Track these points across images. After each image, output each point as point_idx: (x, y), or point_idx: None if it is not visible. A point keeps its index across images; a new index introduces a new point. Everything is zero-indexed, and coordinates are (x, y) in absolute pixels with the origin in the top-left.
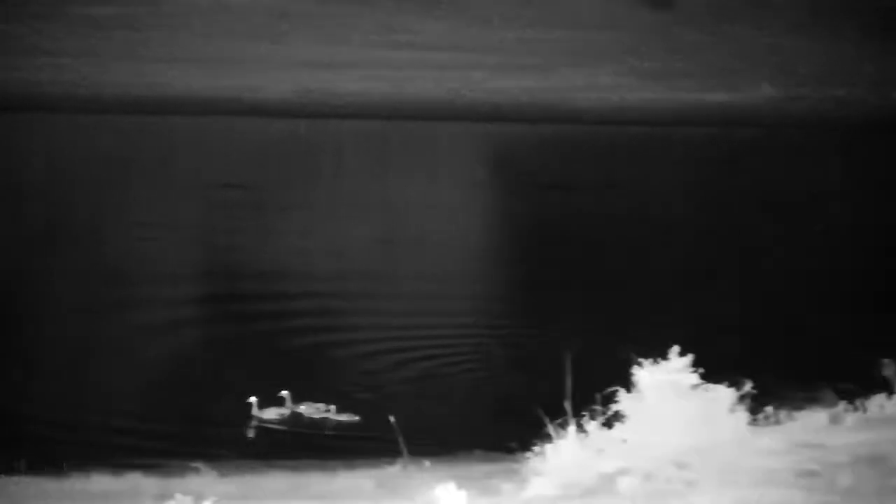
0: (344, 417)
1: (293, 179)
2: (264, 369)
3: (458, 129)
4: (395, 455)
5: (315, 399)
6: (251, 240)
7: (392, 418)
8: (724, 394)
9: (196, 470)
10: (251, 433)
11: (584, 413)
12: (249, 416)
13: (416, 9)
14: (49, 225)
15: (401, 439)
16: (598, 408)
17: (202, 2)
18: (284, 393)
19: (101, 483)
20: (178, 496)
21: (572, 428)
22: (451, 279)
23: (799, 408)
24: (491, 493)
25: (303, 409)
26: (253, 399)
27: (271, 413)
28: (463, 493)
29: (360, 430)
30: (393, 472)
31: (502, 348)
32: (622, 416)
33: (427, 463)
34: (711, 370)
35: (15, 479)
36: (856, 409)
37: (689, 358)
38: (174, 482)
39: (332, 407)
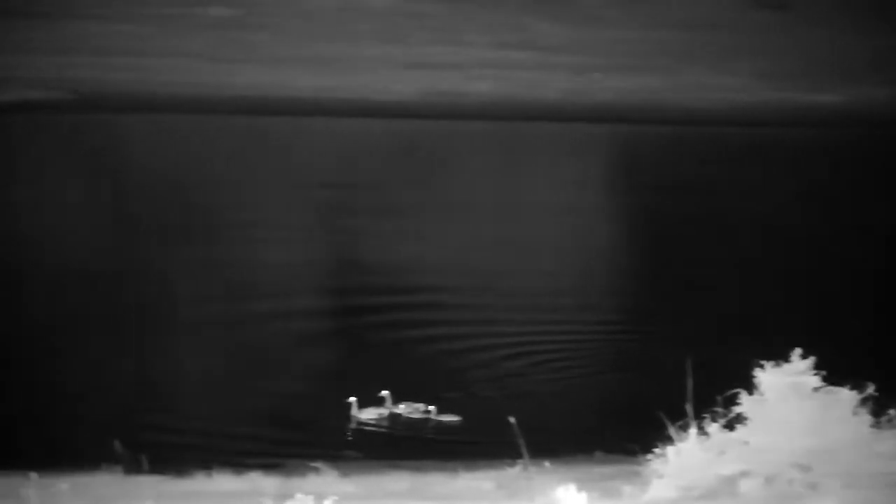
0: (445, 418)
1: (419, 180)
2: (382, 370)
3: (580, 130)
4: (515, 456)
5: (429, 400)
6: (375, 241)
7: (513, 419)
8: (846, 396)
9: (316, 470)
10: (355, 433)
11: (705, 415)
12: (349, 417)
13: (541, 10)
14: (170, 226)
15: (521, 441)
16: (720, 410)
17: (331, 3)
18: (385, 393)
19: (222, 483)
20: (299, 496)
21: (693, 430)
22: (569, 280)
23: None
24: (612, 495)
25: (402, 409)
26: (352, 399)
27: (370, 413)
28: (583, 495)
29: (475, 431)
30: (513, 473)
31: (624, 350)
32: (744, 419)
33: (547, 464)
34: (834, 373)
35: (139, 478)
36: None
37: (812, 360)
38: (295, 482)
39: (433, 408)
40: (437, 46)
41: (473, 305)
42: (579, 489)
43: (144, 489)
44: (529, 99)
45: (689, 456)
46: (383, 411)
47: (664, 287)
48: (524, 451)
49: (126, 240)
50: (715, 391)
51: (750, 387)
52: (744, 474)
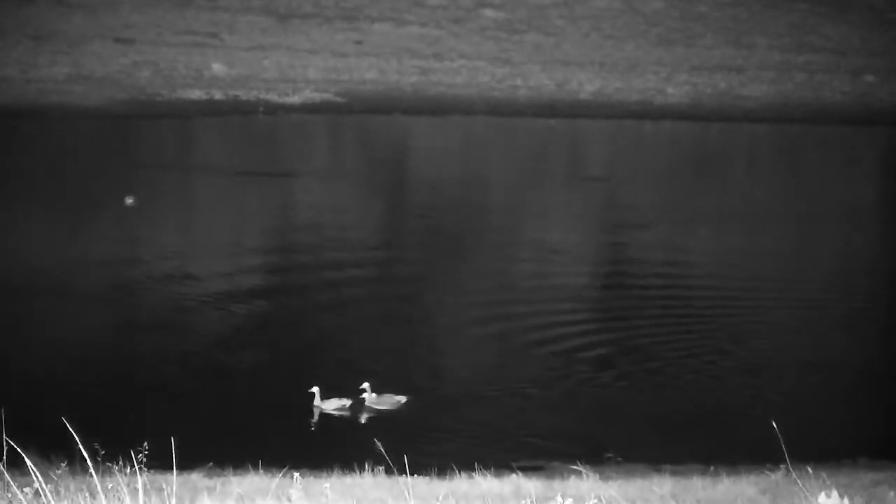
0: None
1: (690, 183)
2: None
3: (869, 133)
4: (777, 461)
5: None
6: (651, 239)
7: (774, 423)
8: None
9: (578, 472)
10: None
11: None
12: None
13: (828, 12)
14: (458, 230)
15: (783, 445)
16: None
17: (612, 4)
18: (365, 384)
19: (484, 484)
20: (560, 498)
21: None
22: (844, 288)
23: None
24: (877, 502)
25: (373, 398)
26: (315, 389)
27: (333, 404)
28: (846, 502)
29: (734, 434)
30: (775, 478)
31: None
32: None
33: (810, 469)
34: None
35: (401, 479)
36: None
37: None
38: (556, 484)
39: (403, 398)
40: (718, 49)
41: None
42: (842, 496)
43: (406, 490)
44: (819, 102)
45: None
46: (345, 402)
47: None
48: (786, 455)
49: (412, 237)
50: None
51: None
52: None
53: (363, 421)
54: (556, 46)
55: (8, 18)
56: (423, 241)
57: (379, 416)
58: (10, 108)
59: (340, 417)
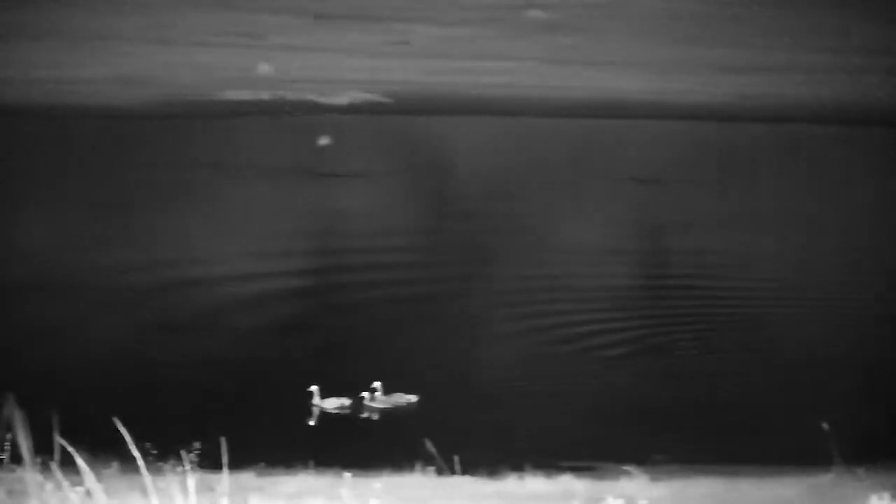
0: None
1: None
2: None
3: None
4: (827, 463)
5: None
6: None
7: (825, 425)
8: None
9: (628, 473)
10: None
11: None
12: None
13: (870, 14)
14: (494, 231)
15: (833, 447)
16: None
17: (651, 4)
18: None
19: (533, 484)
20: (610, 499)
21: None
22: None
23: None
24: None
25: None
26: (314, 388)
27: (332, 402)
28: None
29: (784, 435)
30: (825, 480)
31: None
32: None
33: (861, 471)
34: None
35: (451, 479)
36: None
37: None
38: (606, 485)
39: (413, 397)
40: (750, 49)
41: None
42: (893, 498)
43: (456, 490)
44: (850, 102)
45: None
46: (344, 401)
47: None
48: (836, 457)
49: (454, 238)
50: None
51: None
52: None
53: (412, 421)
54: (599, 47)
55: (49, 21)
56: (464, 242)
57: (428, 417)
58: (53, 108)
59: (391, 416)
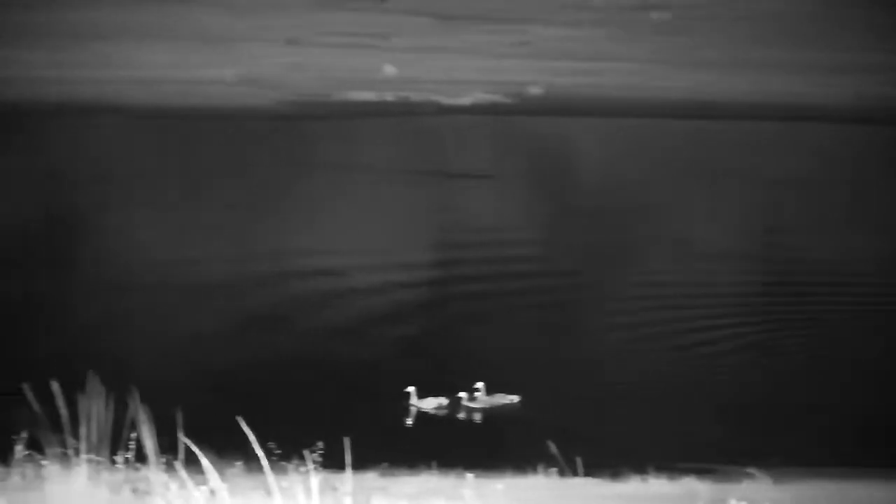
0: None
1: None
2: None
3: None
4: None
5: None
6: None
7: None
8: None
9: (751, 476)
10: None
11: None
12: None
13: None
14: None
15: None
16: None
17: (773, 7)
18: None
19: (656, 486)
20: (733, 502)
21: None
22: None
23: None
24: None
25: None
26: (411, 388)
27: (430, 403)
28: None
29: None
30: None
31: None
32: None
33: None
34: None
35: (573, 481)
36: None
37: None
38: (728, 487)
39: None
40: (863, 51)
41: None
42: None
43: (578, 492)
44: None
45: None
46: (442, 401)
47: None
48: None
49: (573, 238)
50: None
51: None
52: None
53: (533, 422)
54: (717, 48)
55: (179, 22)
56: (583, 242)
57: (550, 419)
58: (179, 108)
59: (511, 418)
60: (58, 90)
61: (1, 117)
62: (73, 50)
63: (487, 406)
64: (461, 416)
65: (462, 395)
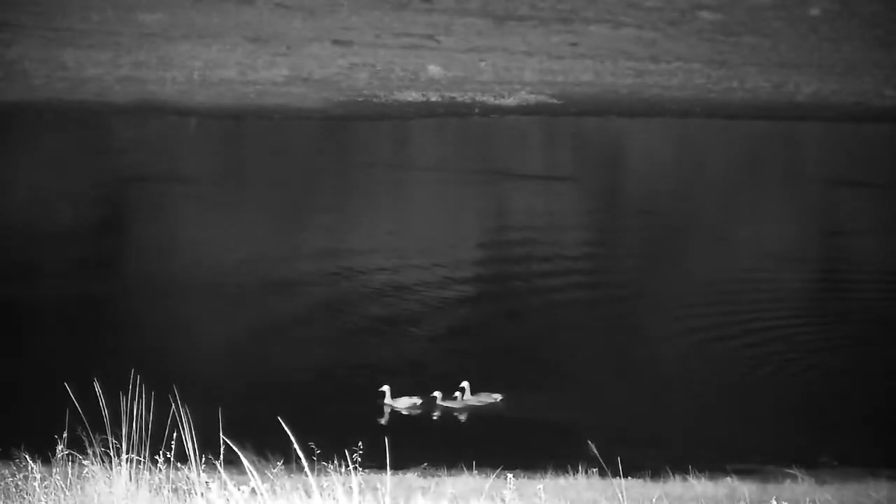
0: None
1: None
2: None
3: None
4: None
5: None
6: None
7: None
8: None
9: (794, 477)
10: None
11: None
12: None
13: None
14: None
15: None
16: None
17: (832, 7)
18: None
19: (698, 487)
20: (775, 503)
21: None
22: None
23: None
24: None
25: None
26: (385, 388)
27: (404, 402)
28: None
29: None
30: None
31: None
32: None
33: None
34: None
35: (614, 481)
36: None
37: None
38: (771, 488)
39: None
40: None
41: None
42: None
43: (620, 491)
44: None
45: None
46: (415, 400)
47: None
48: None
49: (625, 240)
50: None
51: None
52: None
53: (576, 423)
54: (772, 48)
55: (228, 21)
56: (635, 244)
57: (590, 418)
58: (230, 109)
59: (554, 419)
60: (119, 89)
61: (66, 116)
62: (136, 51)
63: (466, 406)
64: (435, 416)
65: (437, 393)
